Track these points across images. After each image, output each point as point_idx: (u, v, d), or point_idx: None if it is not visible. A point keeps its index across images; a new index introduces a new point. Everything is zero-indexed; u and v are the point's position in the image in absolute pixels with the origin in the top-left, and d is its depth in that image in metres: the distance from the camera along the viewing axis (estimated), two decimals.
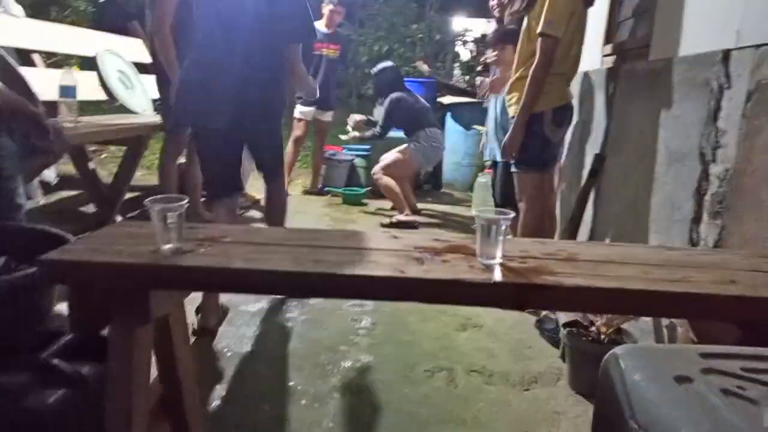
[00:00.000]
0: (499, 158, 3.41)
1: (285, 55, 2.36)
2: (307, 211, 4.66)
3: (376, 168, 4.53)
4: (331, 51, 4.94)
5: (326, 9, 4.90)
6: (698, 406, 0.75)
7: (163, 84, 3.30)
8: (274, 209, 2.66)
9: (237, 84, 2.23)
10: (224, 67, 2.22)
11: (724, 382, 0.79)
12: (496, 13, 3.76)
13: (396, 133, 4.69)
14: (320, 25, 4.94)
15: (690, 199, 1.87)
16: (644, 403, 0.79)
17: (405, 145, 4.52)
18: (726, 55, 1.73)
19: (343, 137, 5.08)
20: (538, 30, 2.46)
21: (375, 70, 4.77)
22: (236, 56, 2.22)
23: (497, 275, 1.17)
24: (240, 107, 2.25)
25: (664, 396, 0.78)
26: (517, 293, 1.14)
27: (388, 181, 4.42)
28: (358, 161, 5.56)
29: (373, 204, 5.04)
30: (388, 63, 4.86)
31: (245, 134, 2.40)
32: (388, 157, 4.53)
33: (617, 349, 0.91)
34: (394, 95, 4.52)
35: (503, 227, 1.22)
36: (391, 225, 4.30)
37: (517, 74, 2.67)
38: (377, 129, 4.60)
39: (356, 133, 4.83)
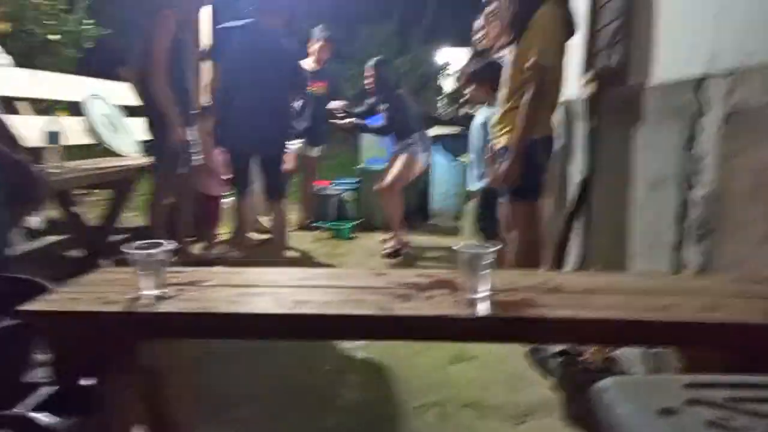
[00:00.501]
0: (477, 185, 3.43)
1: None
2: (296, 247, 4.65)
3: (386, 182, 4.31)
4: (319, 88, 4.99)
5: (314, 47, 4.97)
6: None
7: (158, 126, 3.32)
8: (278, 226, 3.75)
9: (253, 123, 3.46)
10: (244, 112, 3.45)
11: (708, 414, 0.78)
12: (480, 45, 3.78)
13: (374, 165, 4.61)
14: (307, 64, 5.00)
15: (672, 224, 1.88)
16: None
17: (406, 154, 4.33)
18: (699, 81, 1.77)
19: (338, 122, 4.71)
20: (532, 60, 2.49)
21: (373, 62, 4.48)
22: (253, 107, 3.44)
23: (483, 310, 1.16)
24: (255, 139, 3.51)
25: (647, 430, 0.77)
26: (503, 327, 1.14)
27: (397, 200, 4.32)
28: (347, 195, 5.57)
29: (363, 237, 5.04)
30: (382, 57, 4.76)
31: (256, 155, 3.62)
32: (396, 167, 4.33)
33: (603, 382, 0.90)
34: (401, 92, 4.46)
35: (487, 261, 1.22)
36: (391, 255, 4.29)
37: (508, 105, 2.66)
38: (385, 121, 4.38)
39: (353, 119, 4.62)
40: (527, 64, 2.50)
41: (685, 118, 1.84)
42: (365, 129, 4.75)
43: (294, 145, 4.96)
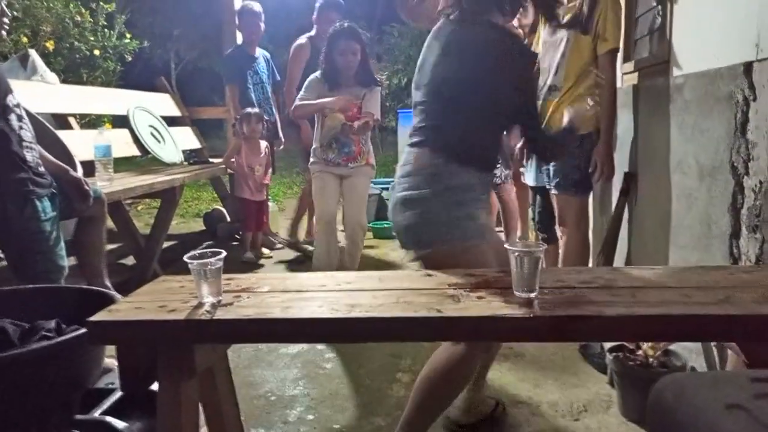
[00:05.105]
0: (533, 182, 3.34)
1: None
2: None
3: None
4: None
5: None
6: None
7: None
8: None
9: None
10: None
11: None
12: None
13: None
14: None
15: (726, 213, 1.84)
16: None
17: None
18: (748, 67, 1.72)
19: None
20: (612, 45, 2.46)
21: None
22: None
23: (535, 309, 1.17)
24: None
25: (716, 426, 0.76)
26: (556, 326, 1.14)
27: None
28: (386, 194, 5.59)
29: None
30: None
31: None
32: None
33: (664, 379, 0.90)
34: None
35: (538, 259, 1.22)
36: None
37: (577, 91, 2.57)
38: None
39: None
40: (603, 50, 2.45)
41: (735, 105, 1.80)
42: None
43: None
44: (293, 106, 3.36)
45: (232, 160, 4.21)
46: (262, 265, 4.18)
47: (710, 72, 1.98)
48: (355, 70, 3.20)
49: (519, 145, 3.08)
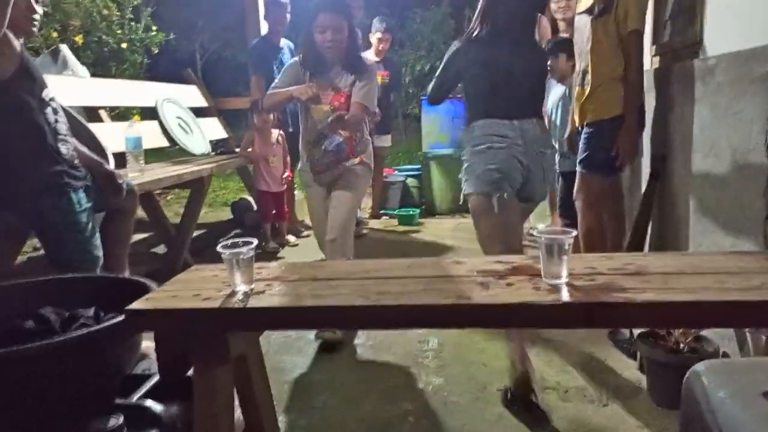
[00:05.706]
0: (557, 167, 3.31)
1: None
2: (365, 236, 4.73)
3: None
4: (383, 77, 5.00)
5: (374, 38, 4.99)
6: None
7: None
8: None
9: None
10: None
11: None
12: (559, 15, 3.56)
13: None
14: (370, 54, 5.02)
15: (760, 197, 1.80)
16: (731, 421, 0.77)
17: None
18: None
19: None
20: (633, 27, 2.43)
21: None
22: None
23: (564, 296, 1.16)
24: None
25: (751, 413, 0.76)
26: (587, 313, 1.13)
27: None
28: (411, 181, 5.59)
29: (429, 223, 5.05)
30: None
31: None
32: None
33: (698, 366, 0.90)
34: None
35: (567, 246, 1.22)
36: None
37: (604, 77, 2.55)
38: None
39: None
40: (625, 32, 2.43)
41: None
42: None
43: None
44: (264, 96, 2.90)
45: (249, 150, 4.24)
46: (283, 257, 4.22)
47: (743, 53, 1.93)
48: (343, 52, 2.59)
49: (566, 135, 3.07)
